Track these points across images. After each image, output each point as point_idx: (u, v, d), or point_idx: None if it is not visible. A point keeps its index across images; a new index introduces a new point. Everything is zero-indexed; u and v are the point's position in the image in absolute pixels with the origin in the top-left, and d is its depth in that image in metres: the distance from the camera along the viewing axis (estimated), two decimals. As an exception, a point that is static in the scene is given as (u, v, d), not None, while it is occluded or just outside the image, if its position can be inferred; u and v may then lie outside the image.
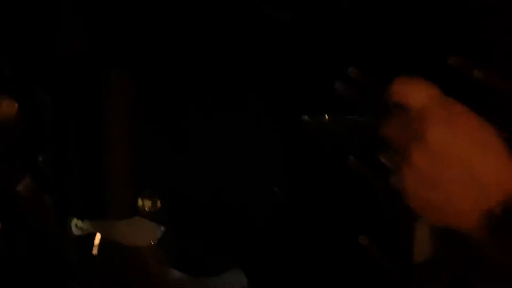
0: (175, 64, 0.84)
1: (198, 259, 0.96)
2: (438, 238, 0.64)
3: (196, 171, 0.88)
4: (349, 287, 0.89)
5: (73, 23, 0.87)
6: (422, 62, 0.74)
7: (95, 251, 0.97)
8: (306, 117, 0.77)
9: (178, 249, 0.97)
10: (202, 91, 0.85)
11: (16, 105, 0.89)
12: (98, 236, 0.97)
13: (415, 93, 0.53)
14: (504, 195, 0.52)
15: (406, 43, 0.76)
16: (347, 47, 0.77)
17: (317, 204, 0.89)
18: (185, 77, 0.86)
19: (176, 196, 0.89)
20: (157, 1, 0.85)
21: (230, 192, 0.91)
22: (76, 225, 0.90)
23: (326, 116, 0.76)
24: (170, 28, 0.84)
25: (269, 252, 0.93)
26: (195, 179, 0.89)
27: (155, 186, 0.85)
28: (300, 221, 0.90)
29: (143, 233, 0.89)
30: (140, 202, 0.84)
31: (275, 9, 0.70)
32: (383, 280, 0.78)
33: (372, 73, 0.66)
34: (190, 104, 0.84)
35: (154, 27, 0.85)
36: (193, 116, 0.83)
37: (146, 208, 0.84)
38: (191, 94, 0.87)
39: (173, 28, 0.84)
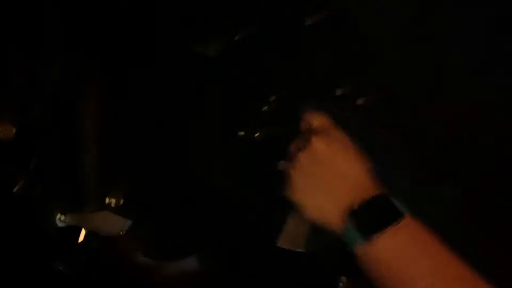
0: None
1: (162, 247, 1.10)
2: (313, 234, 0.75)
3: (154, 170, 1.01)
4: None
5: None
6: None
7: (80, 239, 1.13)
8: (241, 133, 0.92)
9: (145, 239, 1.11)
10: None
11: (14, 130, 0.94)
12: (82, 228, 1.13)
13: (312, 120, 0.72)
14: (363, 195, 0.66)
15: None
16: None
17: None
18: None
19: (140, 193, 1.03)
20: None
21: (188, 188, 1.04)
22: (59, 219, 1.06)
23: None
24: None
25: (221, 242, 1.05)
26: (154, 178, 1.02)
27: (119, 185, 0.99)
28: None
29: (113, 225, 1.04)
30: (107, 199, 0.99)
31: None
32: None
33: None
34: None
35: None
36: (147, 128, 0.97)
37: (112, 204, 0.99)
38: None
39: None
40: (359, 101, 0.85)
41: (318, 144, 0.68)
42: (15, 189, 1.00)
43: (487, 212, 0.86)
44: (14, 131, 0.94)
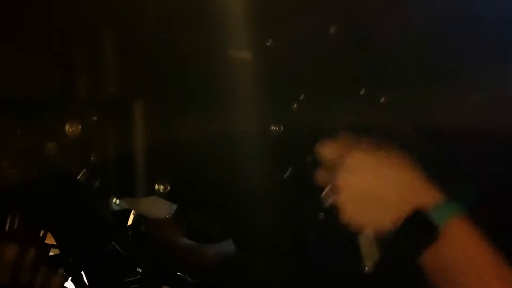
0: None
1: (202, 231, 1.23)
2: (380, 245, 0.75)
3: (199, 161, 1.11)
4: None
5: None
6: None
7: (129, 221, 1.28)
8: None
9: (188, 223, 1.25)
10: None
11: (80, 127, 1.05)
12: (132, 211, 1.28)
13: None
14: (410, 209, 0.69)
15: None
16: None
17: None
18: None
19: (185, 181, 1.14)
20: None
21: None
22: (115, 202, 1.22)
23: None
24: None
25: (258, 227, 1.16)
26: (200, 168, 1.12)
27: (166, 174, 1.14)
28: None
29: (160, 208, 1.19)
30: (156, 186, 1.13)
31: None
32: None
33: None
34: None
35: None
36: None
37: (160, 190, 1.13)
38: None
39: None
40: (382, 100, 0.92)
41: (361, 162, 0.71)
42: (79, 177, 1.13)
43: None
44: (80, 128, 1.06)
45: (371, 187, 0.70)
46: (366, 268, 0.75)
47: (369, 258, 0.75)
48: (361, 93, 0.95)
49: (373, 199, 0.70)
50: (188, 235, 1.23)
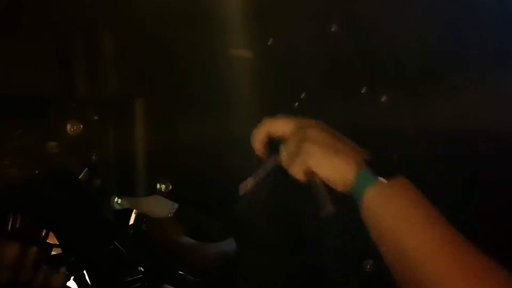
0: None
1: (203, 229, 1.24)
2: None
3: (200, 160, 1.12)
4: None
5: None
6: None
7: (131, 220, 1.29)
8: None
9: (189, 221, 1.26)
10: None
11: (81, 126, 1.08)
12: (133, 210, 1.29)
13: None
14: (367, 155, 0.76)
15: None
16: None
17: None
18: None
19: (186, 181, 1.14)
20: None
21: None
22: (116, 202, 1.22)
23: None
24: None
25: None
26: (200, 167, 1.12)
27: (167, 173, 1.14)
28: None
29: (162, 207, 1.20)
30: (158, 185, 1.14)
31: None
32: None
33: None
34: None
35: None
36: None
37: (162, 189, 1.14)
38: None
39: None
40: (383, 99, 0.92)
41: (320, 124, 0.80)
42: (80, 176, 1.14)
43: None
44: (81, 127, 1.08)
45: (334, 140, 0.77)
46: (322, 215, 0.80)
47: (323, 206, 0.80)
48: (362, 91, 0.95)
49: (333, 150, 0.76)
50: (190, 234, 1.24)
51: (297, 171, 0.78)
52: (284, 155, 0.81)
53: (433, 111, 0.93)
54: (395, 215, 0.70)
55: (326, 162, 0.76)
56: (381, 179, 0.72)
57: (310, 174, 0.78)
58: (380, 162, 0.74)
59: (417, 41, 0.92)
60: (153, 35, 1.03)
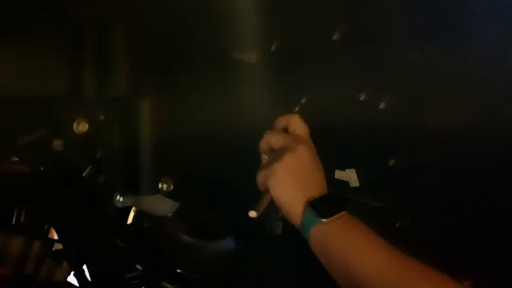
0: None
1: (204, 228, 1.25)
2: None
3: (201, 160, 1.13)
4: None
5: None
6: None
7: (130, 219, 1.31)
8: None
9: (189, 220, 1.27)
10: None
11: (88, 126, 1.10)
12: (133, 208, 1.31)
13: (297, 127, 0.88)
14: (322, 193, 0.82)
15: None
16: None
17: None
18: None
19: (188, 181, 1.14)
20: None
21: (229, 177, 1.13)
22: (118, 200, 1.25)
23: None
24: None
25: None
26: (202, 166, 1.13)
27: (170, 172, 1.16)
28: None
29: (163, 206, 1.22)
30: (160, 184, 1.15)
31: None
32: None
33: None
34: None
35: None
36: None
37: (164, 189, 1.16)
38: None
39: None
40: (382, 105, 0.95)
41: (305, 151, 0.84)
42: (84, 174, 1.16)
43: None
44: (87, 126, 1.10)
45: (302, 170, 0.83)
46: (253, 214, 0.84)
47: (260, 208, 0.84)
48: (361, 98, 0.98)
49: (296, 179, 0.82)
50: (191, 232, 1.26)
51: (258, 180, 0.87)
52: (262, 162, 0.89)
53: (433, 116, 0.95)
54: (343, 248, 0.76)
55: (280, 190, 0.82)
56: (323, 219, 0.78)
57: (267, 190, 0.84)
58: (323, 204, 0.80)
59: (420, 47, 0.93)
60: (160, 35, 1.05)
